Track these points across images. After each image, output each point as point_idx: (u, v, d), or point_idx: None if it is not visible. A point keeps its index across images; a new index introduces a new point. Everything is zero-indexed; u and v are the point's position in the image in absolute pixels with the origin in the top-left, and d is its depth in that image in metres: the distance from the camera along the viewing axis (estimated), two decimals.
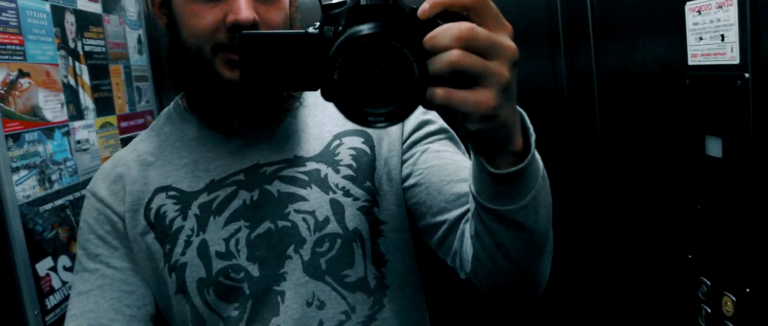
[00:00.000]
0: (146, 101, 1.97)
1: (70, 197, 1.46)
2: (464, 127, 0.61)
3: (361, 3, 0.59)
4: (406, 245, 1.09)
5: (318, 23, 0.61)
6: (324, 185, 1.02)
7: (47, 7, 1.44)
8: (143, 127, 1.91)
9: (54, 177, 1.40)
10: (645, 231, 1.69)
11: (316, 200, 1.01)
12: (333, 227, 1.00)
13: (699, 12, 1.32)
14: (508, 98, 0.59)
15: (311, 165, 1.03)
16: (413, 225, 1.08)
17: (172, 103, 1.15)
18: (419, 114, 1.08)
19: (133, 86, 1.87)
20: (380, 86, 0.56)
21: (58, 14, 1.48)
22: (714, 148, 1.33)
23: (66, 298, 1.38)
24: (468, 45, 0.56)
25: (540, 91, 2.07)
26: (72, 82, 1.52)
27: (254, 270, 0.99)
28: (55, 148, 1.42)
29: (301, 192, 1.01)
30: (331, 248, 0.99)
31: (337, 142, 1.06)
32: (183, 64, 0.99)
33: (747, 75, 1.19)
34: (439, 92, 0.57)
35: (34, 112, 1.35)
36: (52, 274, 1.35)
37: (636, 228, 1.74)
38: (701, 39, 1.32)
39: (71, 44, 1.54)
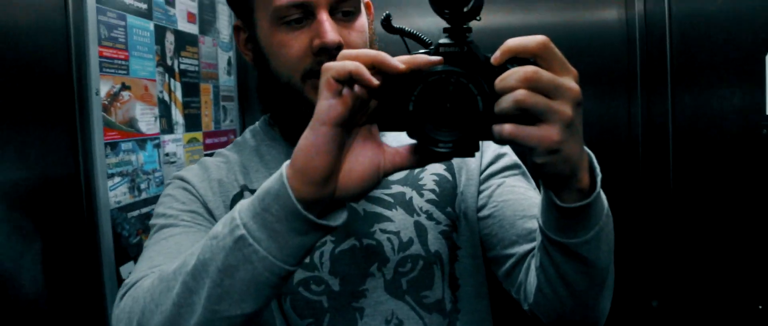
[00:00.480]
0: (231, 120, 2.05)
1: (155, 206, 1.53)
2: (532, 161, 0.66)
3: (440, 50, 0.66)
4: (479, 271, 1.11)
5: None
6: (409, 207, 1.04)
7: (151, 26, 1.54)
8: (226, 143, 1.99)
9: (143, 185, 1.47)
10: (718, 280, 1.64)
11: (401, 221, 1.03)
12: (416, 248, 1.02)
13: None
14: (572, 134, 0.64)
15: (396, 188, 1.06)
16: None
17: (259, 122, 1.17)
18: (496, 148, 1.11)
19: (219, 105, 1.96)
20: (449, 118, 0.64)
21: (160, 33, 1.58)
22: None
23: None
24: (532, 85, 0.62)
25: (614, 135, 2.05)
26: (166, 97, 1.61)
27: (335, 284, 1.00)
28: (146, 159, 1.49)
29: (387, 213, 1.03)
30: (413, 269, 1.02)
31: (421, 167, 1.08)
32: (274, 93, 1.02)
33: None
34: (507, 127, 0.62)
35: (131, 123, 1.43)
36: None
37: (706, 285, 1.68)
38: None
39: (169, 62, 1.63)
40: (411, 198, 1.05)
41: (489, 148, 1.11)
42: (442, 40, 0.66)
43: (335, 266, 1.00)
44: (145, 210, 1.48)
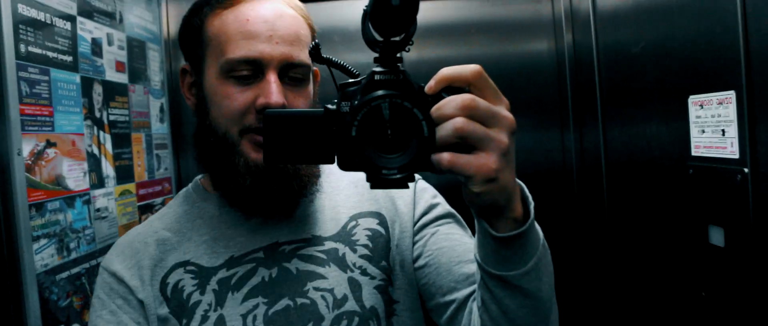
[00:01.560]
0: (165, 168, 2.00)
1: (86, 265, 1.47)
2: (468, 190, 0.67)
3: (375, 78, 0.66)
4: (418, 324, 1.10)
5: (336, 100, 0.69)
6: (342, 264, 1.03)
7: (77, 78, 1.49)
8: (161, 193, 1.94)
9: (72, 245, 1.41)
10: (651, 316, 1.68)
11: (334, 278, 1.02)
12: (351, 305, 1.01)
13: (701, 106, 1.35)
14: (507, 163, 0.66)
15: (329, 245, 1.05)
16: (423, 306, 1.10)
17: (191, 184, 1.17)
18: (428, 198, 1.12)
19: (153, 153, 1.91)
20: (393, 142, 0.64)
21: (87, 85, 1.53)
22: (716, 237, 1.34)
23: None
24: (470, 113, 0.63)
25: (550, 164, 2.10)
26: (95, 150, 1.56)
27: None
28: (75, 216, 1.44)
29: (320, 270, 1.03)
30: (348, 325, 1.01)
31: (353, 222, 1.09)
32: (209, 144, 1.01)
33: (746, 170, 1.22)
34: (446, 156, 0.63)
35: (58, 181, 1.38)
36: None
37: (642, 311, 1.72)
38: (703, 131, 1.35)
39: (97, 114, 1.58)
40: (344, 254, 1.05)
41: (421, 199, 1.12)
42: (376, 68, 0.66)
43: None
44: (74, 270, 1.41)
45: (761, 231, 1.19)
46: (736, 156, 1.25)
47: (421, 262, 1.05)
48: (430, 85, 0.67)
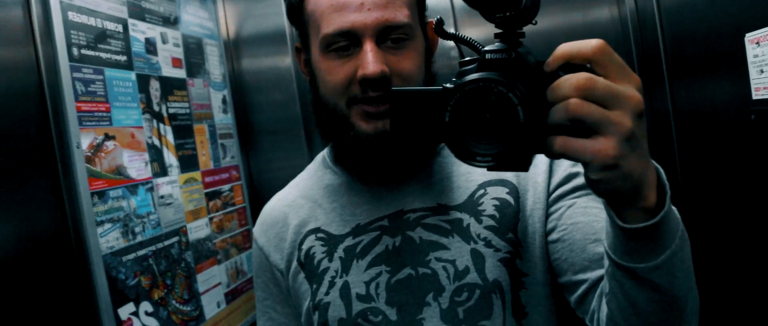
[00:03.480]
0: (232, 157, 2.11)
1: (153, 248, 1.59)
2: (587, 177, 0.62)
3: (486, 57, 0.63)
4: (549, 298, 1.05)
5: (454, 78, 0.66)
6: (466, 235, 1.02)
7: (133, 76, 1.61)
8: (228, 181, 2.05)
9: (137, 229, 1.54)
10: (725, 273, 1.59)
11: (457, 249, 1.01)
12: (472, 277, 0.99)
13: (758, 43, 1.27)
14: (632, 148, 0.59)
15: (455, 215, 1.04)
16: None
17: (326, 150, 1.23)
18: (567, 166, 1.05)
19: (217, 143, 2.02)
20: (488, 128, 0.61)
21: (143, 82, 1.65)
22: None
23: None
24: (587, 94, 0.58)
25: None
26: (156, 142, 1.68)
27: (392, 314, 1.01)
28: (139, 203, 1.56)
29: (443, 240, 1.02)
30: (469, 298, 0.99)
31: (481, 191, 1.06)
32: (324, 117, 1.06)
33: None
34: (557, 140, 0.59)
35: (119, 170, 1.50)
36: (134, 318, 1.47)
37: (716, 270, 1.64)
38: (762, 72, 1.27)
39: (156, 108, 1.70)
40: (468, 225, 1.03)
41: (560, 167, 1.05)
42: (489, 47, 0.63)
43: (391, 296, 1.02)
44: (141, 252, 1.54)
45: None
46: None
47: (554, 236, 1.00)
48: (548, 63, 0.62)
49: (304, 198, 1.16)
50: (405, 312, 1.00)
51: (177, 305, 1.66)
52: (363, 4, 0.96)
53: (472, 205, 1.05)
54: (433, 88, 0.66)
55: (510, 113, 0.59)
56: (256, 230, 1.20)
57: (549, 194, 1.03)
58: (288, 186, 1.24)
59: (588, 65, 0.61)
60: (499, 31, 0.64)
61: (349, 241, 1.07)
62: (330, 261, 1.07)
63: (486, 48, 0.63)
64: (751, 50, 1.29)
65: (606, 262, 0.74)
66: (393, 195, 1.08)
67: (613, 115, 0.58)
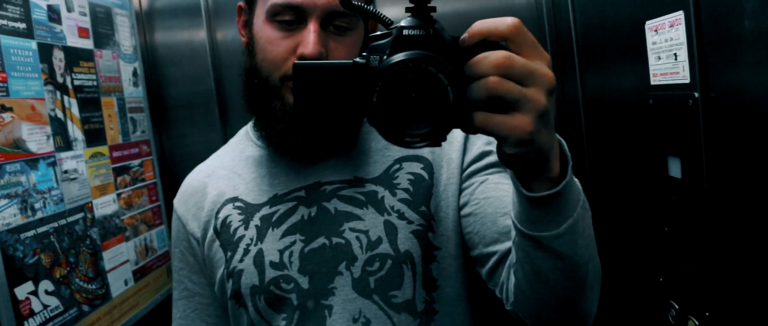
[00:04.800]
0: (142, 131, 2.05)
1: (55, 224, 1.53)
2: (502, 151, 0.65)
3: (404, 33, 0.63)
4: (460, 272, 1.09)
5: (365, 53, 0.65)
6: (380, 207, 1.05)
7: (33, 45, 1.53)
8: (138, 156, 1.99)
9: (37, 205, 1.47)
10: (622, 254, 1.68)
11: (370, 220, 1.04)
12: (384, 248, 1.03)
13: (656, 31, 1.33)
14: (544, 124, 0.62)
15: (370, 187, 1.07)
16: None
17: (249, 124, 1.23)
18: (480, 145, 1.10)
19: (127, 117, 1.95)
20: (417, 109, 0.61)
21: (45, 51, 1.57)
22: (674, 168, 1.33)
23: (47, 320, 1.45)
24: (505, 72, 0.60)
25: None
26: (60, 115, 1.60)
27: (304, 282, 1.03)
28: (39, 178, 1.49)
29: (357, 211, 1.05)
30: (381, 268, 1.02)
31: (396, 166, 1.10)
32: (252, 85, 1.07)
33: (696, 94, 1.19)
34: (478, 116, 0.61)
35: (17, 144, 1.43)
36: (33, 298, 1.42)
37: (612, 251, 1.73)
38: (659, 58, 1.33)
39: (59, 79, 1.62)
40: (383, 197, 1.06)
41: (474, 145, 1.09)
42: (405, 22, 0.63)
43: (304, 264, 1.03)
44: (41, 229, 1.48)
45: (712, 159, 1.18)
46: (687, 80, 1.23)
47: (466, 210, 1.04)
48: (464, 38, 0.63)
49: (224, 169, 1.17)
50: (317, 281, 1.03)
51: (81, 283, 1.60)
52: None
53: (387, 179, 1.08)
54: (339, 63, 0.66)
55: (440, 93, 0.60)
56: (177, 200, 1.20)
57: (463, 170, 1.08)
58: (210, 157, 1.25)
59: (502, 43, 0.63)
60: (410, 5, 0.64)
61: (265, 210, 1.08)
62: (245, 229, 1.08)
63: (402, 23, 0.63)
64: (650, 37, 1.36)
65: (513, 233, 0.78)
66: (311, 168, 1.10)
67: (529, 92, 0.60)
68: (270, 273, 1.04)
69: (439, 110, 0.60)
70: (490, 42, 0.63)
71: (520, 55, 0.62)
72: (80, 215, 1.64)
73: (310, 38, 0.97)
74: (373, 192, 1.07)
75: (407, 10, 0.64)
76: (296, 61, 0.69)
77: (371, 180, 1.08)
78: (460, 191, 1.07)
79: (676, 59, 1.26)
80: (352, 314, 1.02)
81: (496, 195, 1.00)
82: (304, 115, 0.68)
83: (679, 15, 1.23)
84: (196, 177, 1.21)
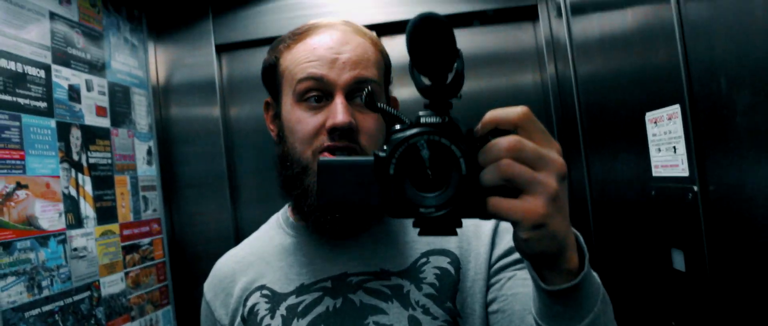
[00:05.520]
0: (153, 210, 2.05)
1: (61, 303, 1.51)
2: (516, 237, 0.65)
3: (421, 121, 0.65)
4: None
5: (385, 147, 0.67)
6: (405, 301, 1.04)
7: (53, 123, 1.56)
8: (148, 234, 1.99)
9: (44, 283, 1.46)
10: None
11: (395, 314, 1.02)
12: None
13: (656, 123, 1.34)
14: (557, 209, 0.62)
15: (396, 281, 1.06)
16: None
17: (281, 211, 1.24)
18: (510, 239, 1.08)
19: (139, 195, 1.96)
20: (433, 180, 0.63)
21: (63, 130, 1.60)
22: (678, 261, 1.31)
23: None
24: (516, 155, 0.61)
25: None
26: (73, 192, 1.61)
27: None
28: (49, 255, 1.48)
29: (382, 305, 1.04)
30: None
31: (424, 259, 1.09)
32: (286, 169, 1.08)
33: (696, 188, 1.19)
34: (492, 200, 0.62)
35: (30, 221, 1.43)
36: None
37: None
38: (659, 150, 1.34)
39: (75, 157, 1.64)
40: (408, 291, 1.05)
41: (502, 240, 1.08)
42: (423, 112, 0.66)
43: None
44: (46, 307, 1.46)
45: (714, 252, 1.16)
46: (687, 173, 1.23)
47: (494, 307, 1.02)
48: (477, 128, 0.65)
49: (254, 256, 1.17)
50: None
51: None
52: (336, 59, 1.03)
53: (413, 272, 1.07)
54: (361, 159, 0.68)
55: (453, 165, 0.62)
56: (206, 285, 1.19)
57: (490, 266, 1.06)
58: (241, 243, 1.24)
59: (514, 130, 0.64)
60: (427, 101, 0.66)
61: (291, 300, 1.07)
62: (272, 318, 1.07)
63: (420, 113, 0.66)
64: (650, 129, 1.37)
65: None
66: (338, 258, 1.10)
67: (541, 176, 0.61)
68: None
69: (454, 180, 0.62)
70: (501, 130, 0.64)
71: (531, 141, 0.63)
72: (87, 294, 1.62)
73: (338, 109, 1.00)
74: (398, 285, 1.05)
75: (425, 105, 0.66)
76: (321, 158, 0.70)
77: (397, 274, 1.07)
78: (488, 287, 1.05)
79: (675, 152, 1.27)
80: None
81: (524, 292, 0.98)
82: (326, 208, 0.68)
83: (676, 108, 1.24)
84: (226, 263, 1.20)
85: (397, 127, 0.68)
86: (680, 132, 1.23)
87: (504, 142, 0.62)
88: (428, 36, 0.60)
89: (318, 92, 1.04)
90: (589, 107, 1.84)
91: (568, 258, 0.67)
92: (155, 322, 1.96)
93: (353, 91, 1.04)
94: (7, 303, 1.33)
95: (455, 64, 0.65)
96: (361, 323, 1.02)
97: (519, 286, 0.99)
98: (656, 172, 1.36)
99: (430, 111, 0.66)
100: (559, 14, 2.02)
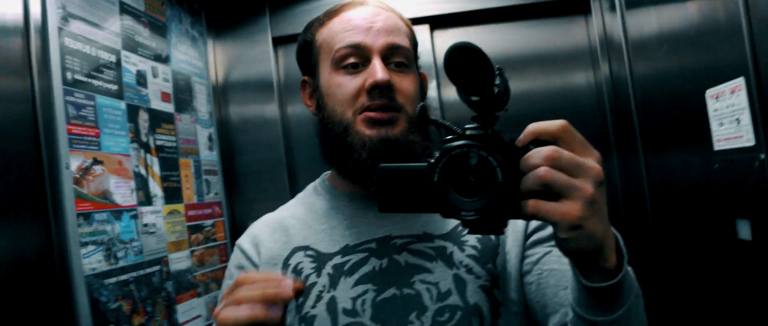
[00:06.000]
0: (215, 193, 2.14)
1: (135, 274, 1.60)
2: (556, 237, 0.72)
3: (467, 133, 0.74)
4: None
5: (437, 154, 0.76)
6: (449, 261, 1.09)
7: (123, 105, 1.65)
8: (211, 216, 2.07)
9: (120, 254, 1.55)
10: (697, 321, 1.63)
11: (440, 273, 1.08)
12: (454, 300, 1.05)
13: (717, 98, 1.36)
14: (594, 212, 0.69)
15: (439, 243, 1.11)
16: None
17: (318, 179, 1.30)
18: None
19: (201, 178, 2.05)
20: (475, 188, 0.71)
21: (132, 112, 1.69)
22: (744, 230, 1.32)
23: None
24: (554, 163, 0.68)
25: None
26: (143, 171, 1.71)
27: None
28: (123, 229, 1.58)
29: (427, 265, 1.09)
30: (451, 318, 1.04)
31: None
32: (328, 133, 1.14)
33: (762, 156, 1.20)
34: (530, 203, 0.69)
35: (105, 195, 1.53)
36: None
37: (688, 320, 1.68)
38: (721, 124, 1.35)
39: (144, 138, 1.74)
40: (452, 252, 1.10)
41: None
42: (469, 125, 0.75)
43: (377, 313, 1.06)
44: (123, 277, 1.55)
45: None
46: (752, 143, 1.25)
47: (528, 279, 1.07)
48: (519, 139, 0.73)
49: (294, 219, 1.21)
50: None
51: None
52: (371, 27, 1.10)
53: (455, 236, 1.11)
54: (416, 166, 0.78)
55: (490, 174, 0.70)
56: (243, 240, 1.22)
57: (526, 237, 1.11)
58: (279, 209, 1.29)
59: (554, 141, 0.71)
60: (474, 114, 0.75)
61: (337, 259, 1.12)
62: (318, 276, 1.11)
63: (466, 126, 0.75)
64: (711, 105, 1.39)
65: (570, 313, 0.84)
66: (381, 222, 1.14)
67: (577, 182, 0.68)
68: (343, 320, 1.06)
69: (490, 189, 0.70)
70: (542, 141, 0.72)
71: (571, 150, 0.70)
72: (157, 267, 1.71)
73: (377, 67, 1.07)
74: (442, 247, 1.10)
75: (473, 119, 0.75)
76: (381, 164, 0.80)
77: (440, 237, 1.12)
78: (523, 258, 1.10)
79: (738, 123, 1.28)
80: None
81: (558, 268, 1.03)
82: (387, 210, 0.79)
83: (740, 81, 1.26)
84: (265, 223, 1.24)
85: (449, 137, 0.76)
86: (744, 103, 1.25)
87: (543, 150, 0.68)
88: (462, 64, 0.68)
89: (356, 58, 1.10)
90: (646, 103, 1.85)
91: (606, 257, 0.74)
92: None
93: (388, 57, 1.10)
94: (89, 270, 1.42)
95: (497, 81, 0.73)
96: (407, 281, 1.07)
97: (554, 263, 1.05)
98: (718, 146, 1.37)
99: (477, 123, 0.74)
100: (612, 8, 2.03)
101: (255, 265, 1.17)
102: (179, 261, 1.83)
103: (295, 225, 1.20)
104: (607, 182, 2.00)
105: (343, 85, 1.10)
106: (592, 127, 2.15)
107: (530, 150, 0.70)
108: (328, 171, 1.27)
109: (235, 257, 1.22)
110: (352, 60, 1.10)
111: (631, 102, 1.93)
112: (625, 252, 0.77)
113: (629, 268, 0.79)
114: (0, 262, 1.24)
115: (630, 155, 2.00)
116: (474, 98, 0.73)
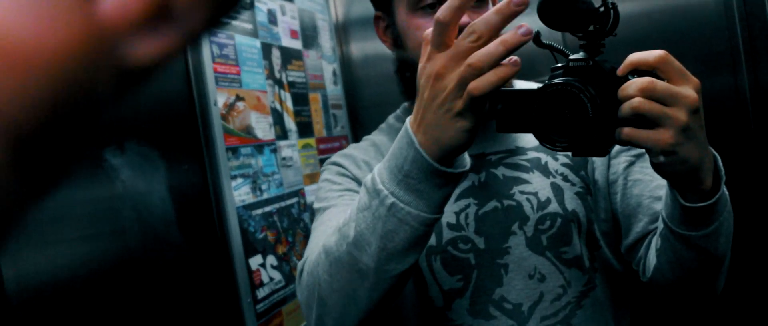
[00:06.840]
0: (341, 127, 2.19)
1: (277, 205, 1.68)
2: (651, 161, 0.77)
3: (570, 64, 0.78)
4: (612, 235, 1.15)
5: (546, 80, 0.79)
6: (545, 170, 1.12)
7: (258, 43, 1.70)
8: (339, 149, 2.13)
9: (264, 187, 1.63)
10: None
11: (538, 183, 1.11)
12: (554, 207, 1.09)
13: None
14: (688, 138, 0.72)
15: (532, 154, 1.14)
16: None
17: (395, 113, 1.31)
18: None
19: (329, 113, 2.10)
20: (565, 122, 0.75)
21: (266, 50, 1.74)
22: None
23: (273, 292, 1.59)
24: (649, 94, 0.72)
25: (721, 106, 1.98)
26: (278, 107, 1.76)
27: (480, 242, 1.10)
28: (264, 162, 1.65)
29: (524, 176, 1.12)
30: (551, 226, 1.09)
31: None
32: (409, 72, 1.14)
33: None
34: (625, 130, 0.74)
35: (248, 130, 1.59)
36: (262, 270, 1.56)
37: None
38: None
39: (277, 75, 1.79)
40: (546, 162, 1.13)
41: None
42: (573, 56, 0.79)
43: (480, 226, 1.10)
44: (267, 208, 1.63)
45: None
46: None
47: (614, 189, 1.11)
48: (619, 69, 0.76)
49: (386, 147, 1.20)
50: (492, 241, 1.09)
51: (297, 262, 1.74)
52: None
53: (546, 148, 1.11)
54: (529, 89, 0.81)
55: (581, 109, 0.73)
56: (338, 157, 1.21)
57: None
58: (366, 138, 1.28)
59: (653, 71, 0.74)
60: (582, 42, 0.78)
61: None
62: None
63: (570, 56, 0.79)
64: None
65: (661, 225, 0.89)
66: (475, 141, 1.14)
67: (671, 111, 0.71)
68: (447, 234, 1.10)
69: (581, 123, 0.74)
70: (641, 71, 0.75)
71: (668, 81, 0.73)
72: (295, 199, 1.78)
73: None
74: (536, 158, 1.13)
75: (580, 46, 0.78)
76: (502, 87, 0.80)
77: (532, 149, 1.14)
78: (609, 167, 1.13)
79: None
80: (528, 271, 1.08)
81: (642, 179, 1.07)
82: (504, 131, 0.84)
83: None
84: (361, 147, 1.24)
85: (558, 64, 0.80)
86: None
87: (638, 82, 0.72)
88: (555, 13, 0.71)
89: None
90: None
91: (702, 179, 0.78)
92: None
93: None
94: (239, 201, 1.51)
95: (600, 9, 0.74)
96: (507, 193, 1.10)
97: (638, 173, 1.09)
98: None
99: (582, 52, 0.78)
100: None
101: (354, 177, 1.15)
102: (314, 193, 1.90)
103: (384, 151, 1.19)
104: (736, 98, 1.92)
105: (421, 27, 1.07)
106: (719, 40, 2.01)
107: (629, 79, 0.73)
108: (409, 102, 1.26)
109: (335, 171, 1.18)
110: (429, 1, 1.08)
111: (766, 10, 1.79)
112: (723, 174, 0.81)
113: (725, 189, 0.82)
114: (166, 197, 1.33)
115: (762, 68, 1.87)
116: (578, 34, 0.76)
